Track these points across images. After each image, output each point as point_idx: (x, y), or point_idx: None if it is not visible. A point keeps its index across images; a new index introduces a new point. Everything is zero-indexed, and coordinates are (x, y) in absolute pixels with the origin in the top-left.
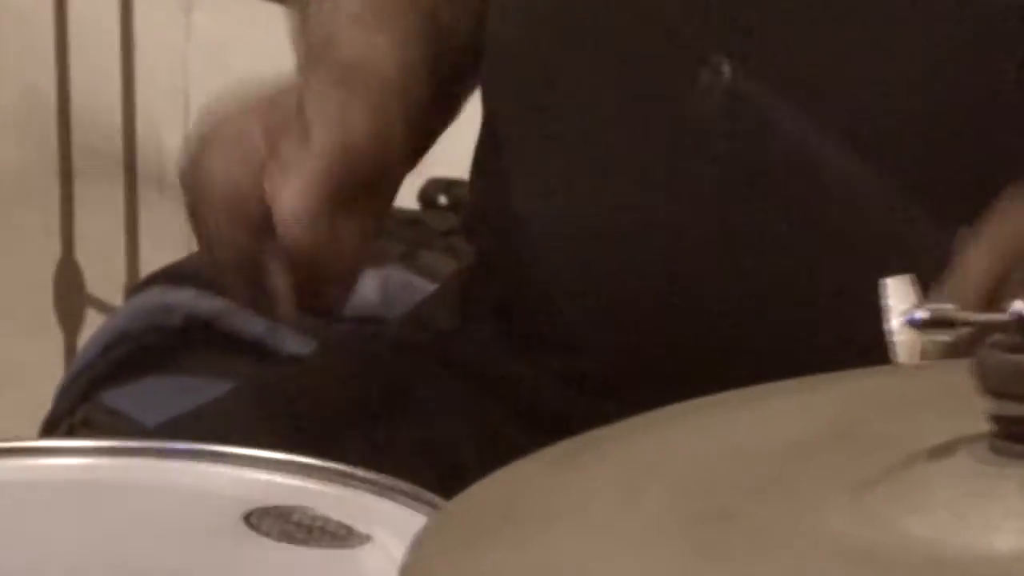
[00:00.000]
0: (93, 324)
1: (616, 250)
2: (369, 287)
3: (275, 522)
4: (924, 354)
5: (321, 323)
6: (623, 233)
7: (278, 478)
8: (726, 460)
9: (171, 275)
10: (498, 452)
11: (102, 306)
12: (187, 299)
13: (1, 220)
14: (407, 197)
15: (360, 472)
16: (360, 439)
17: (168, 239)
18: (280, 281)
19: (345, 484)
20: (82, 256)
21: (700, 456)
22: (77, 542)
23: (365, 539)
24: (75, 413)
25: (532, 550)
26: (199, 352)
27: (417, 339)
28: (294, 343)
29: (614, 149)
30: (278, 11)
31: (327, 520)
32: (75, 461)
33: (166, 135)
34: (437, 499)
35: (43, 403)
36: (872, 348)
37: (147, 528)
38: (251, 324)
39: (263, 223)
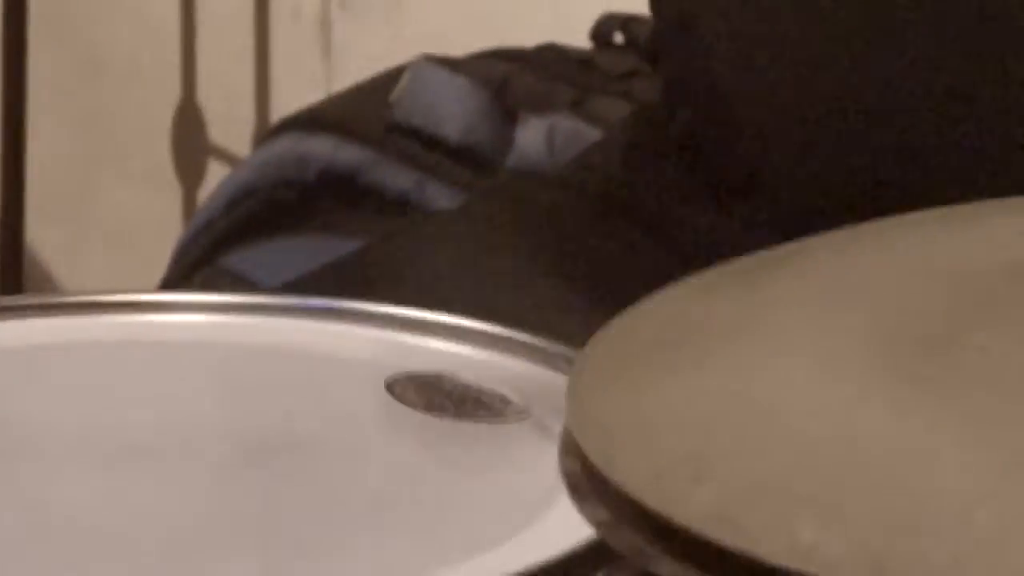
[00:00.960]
0: (216, 176)
1: (823, 84)
2: (533, 137)
3: (421, 390)
4: None
5: (474, 176)
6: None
7: (425, 341)
8: (937, 281)
9: (306, 121)
10: None
11: (226, 156)
12: (324, 149)
13: (115, 56)
14: (579, 34)
15: (519, 335)
16: (520, 295)
17: (304, 79)
18: None
19: (502, 349)
20: (204, 99)
21: (907, 276)
22: (199, 406)
23: (523, 413)
24: (193, 276)
25: (713, 371)
26: (336, 209)
27: (585, 185)
28: (445, 198)
29: None
30: None
31: (480, 390)
32: (199, 318)
33: None
34: None
35: (159, 264)
36: None
37: (276, 395)
38: (398, 177)
39: None
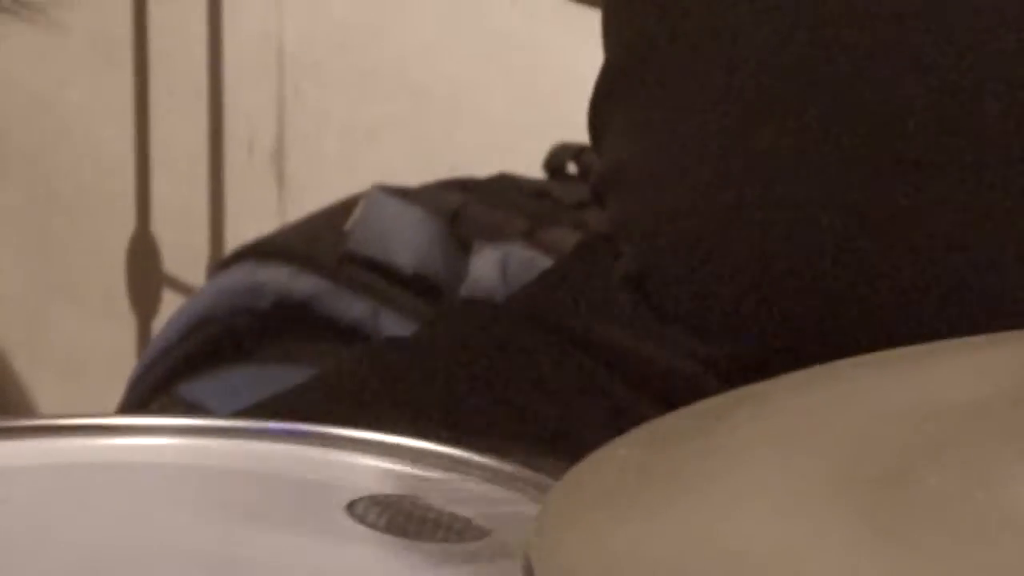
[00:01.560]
0: (170, 306)
1: (770, 216)
2: (486, 266)
3: (382, 512)
4: None
5: (428, 305)
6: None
7: (385, 464)
8: (893, 421)
9: (261, 251)
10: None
11: (181, 286)
12: (279, 278)
13: (69, 187)
14: (532, 165)
15: (478, 458)
16: (475, 422)
17: (258, 209)
18: None
19: (461, 471)
20: (159, 228)
21: (864, 416)
22: (155, 529)
23: (484, 533)
24: (149, 405)
25: (674, 519)
26: (292, 338)
27: (538, 314)
28: (399, 327)
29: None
30: None
31: (440, 512)
32: (158, 441)
33: (254, 90)
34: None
35: (113, 395)
36: None
37: (235, 517)
38: (352, 306)
39: None
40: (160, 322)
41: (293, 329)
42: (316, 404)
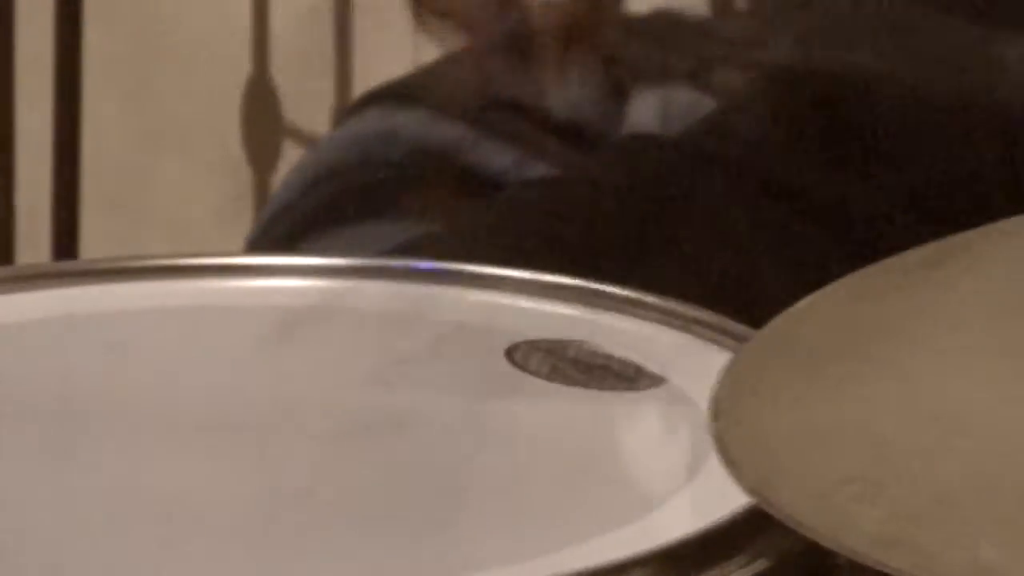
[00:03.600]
0: (290, 159)
1: None
2: (645, 111)
3: (545, 358)
4: None
5: (579, 155)
6: None
7: (549, 306)
8: None
9: (394, 94)
10: (814, 287)
11: (303, 136)
12: (415, 124)
13: (177, 30)
14: None
15: (651, 298)
16: (646, 267)
17: (390, 49)
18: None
19: (633, 313)
20: (278, 73)
21: None
22: (299, 378)
23: (657, 380)
24: None
25: (879, 381)
26: (428, 192)
27: (710, 149)
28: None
29: None
30: None
31: (609, 357)
32: (298, 283)
33: None
34: (746, 330)
35: None
36: None
37: (384, 364)
38: (496, 156)
39: None
40: (279, 176)
41: (430, 181)
42: (463, 247)
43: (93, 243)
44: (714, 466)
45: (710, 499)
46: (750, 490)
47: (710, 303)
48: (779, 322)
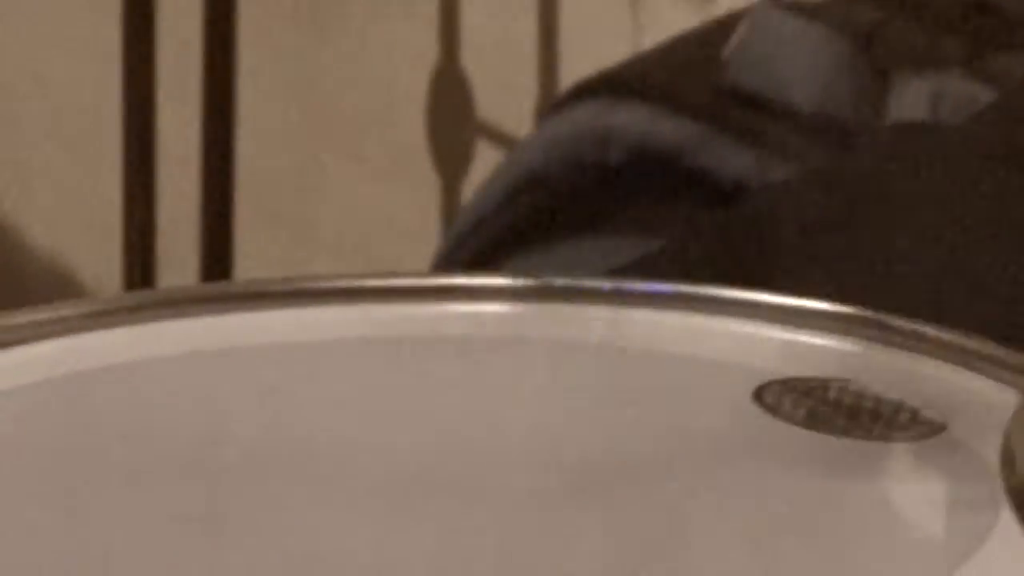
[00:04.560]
0: (486, 162)
1: None
2: (912, 103)
3: (801, 400)
4: None
5: (831, 149)
6: None
7: (806, 337)
8: None
9: (610, 86)
10: None
11: (500, 136)
12: (635, 121)
13: (351, 6)
14: None
15: (929, 329)
16: (919, 285)
17: (605, 33)
18: None
19: (904, 347)
20: (470, 62)
21: None
22: (509, 423)
23: (938, 428)
24: None
25: None
26: (652, 201)
27: (994, 141)
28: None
29: None
30: None
31: (879, 400)
32: (504, 308)
33: None
34: None
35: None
36: None
37: (613, 406)
38: (732, 158)
39: None
40: (473, 183)
41: (654, 188)
42: (695, 267)
43: (248, 262)
44: (1008, 528)
45: (1009, 566)
46: None
47: (989, 325)
48: None
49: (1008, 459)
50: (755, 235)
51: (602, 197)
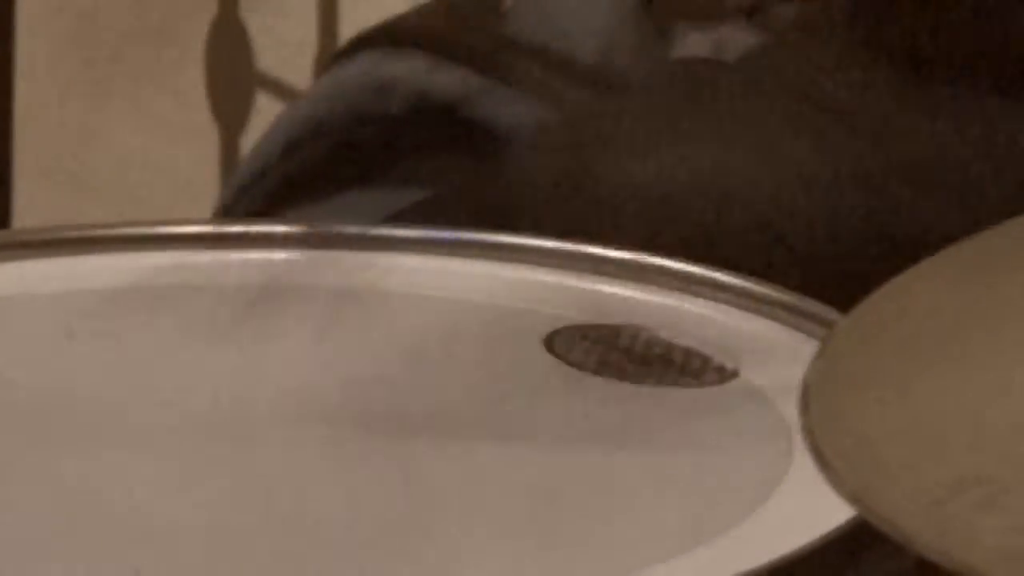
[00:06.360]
0: (266, 114)
1: None
2: (695, 51)
3: (592, 348)
4: None
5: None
6: None
7: (591, 283)
8: None
9: (390, 37)
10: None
11: (280, 88)
12: (415, 72)
13: None
14: None
15: (720, 275)
16: (705, 226)
17: None
18: None
19: (694, 293)
20: (249, 12)
21: None
22: (300, 371)
23: (728, 375)
24: None
25: (999, 367)
26: (430, 151)
27: (763, 82)
28: None
29: None
30: None
31: (668, 346)
32: (281, 255)
33: None
34: (829, 311)
35: None
36: None
37: (400, 355)
38: (512, 109)
39: None
40: (253, 136)
41: (434, 139)
42: (469, 214)
43: (26, 212)
44: (805, 471)
45: (801, 511)
46: (850, 498)
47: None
48: (872, 302)
49: (805, 403)
50: (515, 180)
51: (383, 147)
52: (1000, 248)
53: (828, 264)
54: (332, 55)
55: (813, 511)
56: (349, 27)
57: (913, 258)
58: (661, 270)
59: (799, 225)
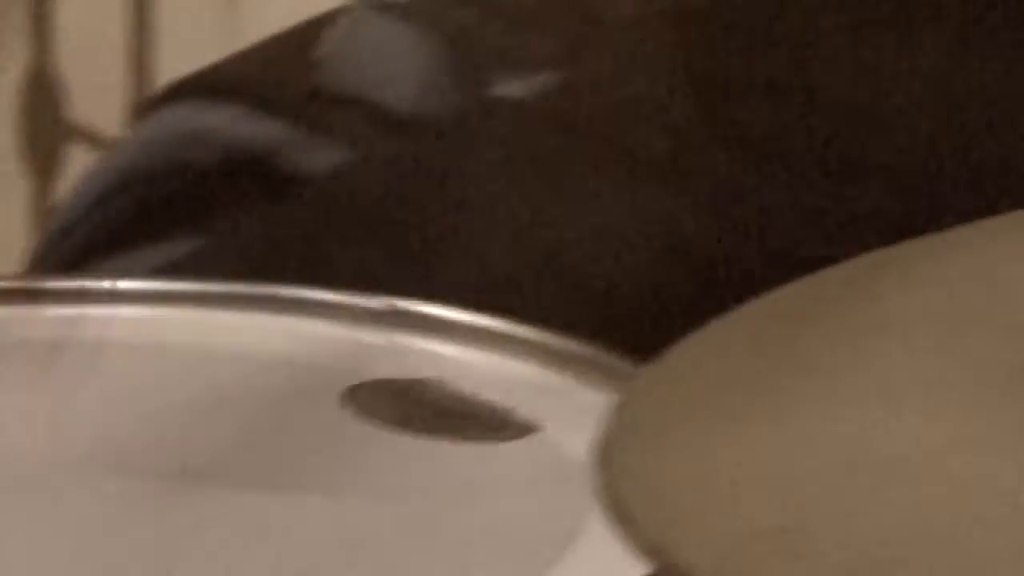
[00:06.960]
0: (78, 164)
1: None
2: (511, 92)
3: (391, 401)
4: None
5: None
6: None
7: (392, 336)
8: None
9: (203, 86)
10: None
11: (92, 137)
12: (228, 122)
13: None
14: None
15: (521, 331)
16: (505, 274)
17: (198, 33)
18: None
19: (498, 348)
20: (65, 59)
21: None
22: (95, 425)
23: (528, 429)
24: None
25: (799, 418)
26: (245, 202)
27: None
28: None
29: None
30: None
31: (470, 401)
32: (95, 311)
33: None
34: (630, 367)
35: None
36: None
37: (194, 410)
38: (323, 157)
39: None
40: (64, 185)
41: (243, 192)
42: (263, 261)
43: None
44: (597, 528)
45: (598, 567)
46: (647, 551)
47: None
48: (671, 356)
49: (599, 457)
50: (303, 226)
51: (192, 200)
52: (801, 302)
53: (635, 314)
54: (145, 102)
55: (610, 567)
56: (165, 75)
57: (719, 309)
58: (459, 323)
59: (606, 274)
